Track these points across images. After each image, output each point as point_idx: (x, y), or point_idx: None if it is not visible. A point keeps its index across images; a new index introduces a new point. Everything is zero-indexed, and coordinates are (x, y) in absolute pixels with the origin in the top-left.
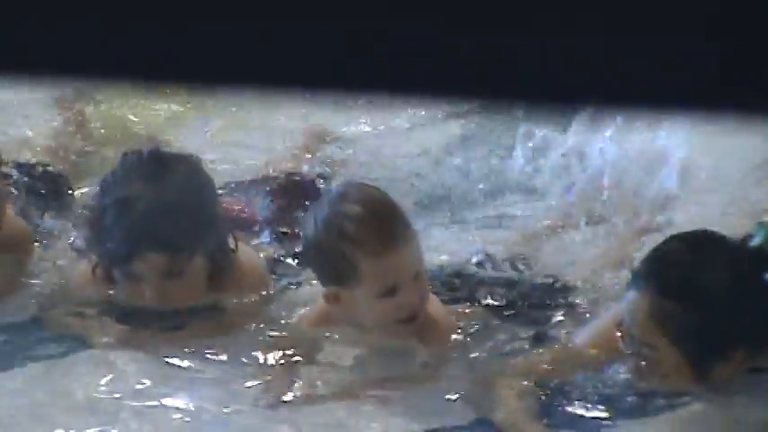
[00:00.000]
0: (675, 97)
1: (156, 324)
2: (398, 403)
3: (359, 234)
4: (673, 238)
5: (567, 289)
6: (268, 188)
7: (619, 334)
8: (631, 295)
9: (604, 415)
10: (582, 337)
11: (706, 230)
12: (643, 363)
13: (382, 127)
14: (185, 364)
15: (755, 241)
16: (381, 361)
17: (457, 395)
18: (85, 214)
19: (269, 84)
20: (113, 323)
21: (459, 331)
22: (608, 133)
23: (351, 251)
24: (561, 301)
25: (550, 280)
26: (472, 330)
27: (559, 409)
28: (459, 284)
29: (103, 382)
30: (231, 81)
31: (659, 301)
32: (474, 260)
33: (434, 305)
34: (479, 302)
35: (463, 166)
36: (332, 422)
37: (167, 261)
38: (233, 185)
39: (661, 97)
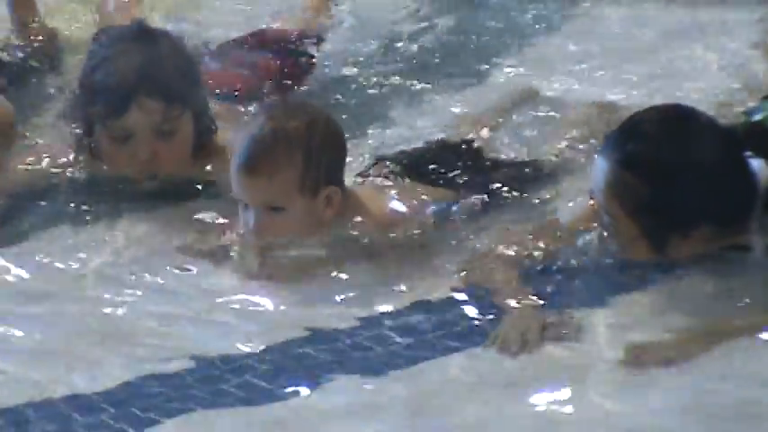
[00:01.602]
0: None
1: (149, 192)
2: (386, 274)
3: (236, 147)
4: (649, 108)
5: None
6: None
7: (590, 201)
8: (598, 161)
9: (585, 287)
10: (568, 216)
11: (685, 106)
12: (605, 231)
13: None
14: None
15: (758, 117)
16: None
17: (447, 266)
18: (73, 82)
19: None
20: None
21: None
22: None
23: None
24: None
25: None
26: (456, 211)
27: (543, 279)
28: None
29: None
30: None
31: (619, 171)
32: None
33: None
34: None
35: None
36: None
37: (162, 110)
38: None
39: None
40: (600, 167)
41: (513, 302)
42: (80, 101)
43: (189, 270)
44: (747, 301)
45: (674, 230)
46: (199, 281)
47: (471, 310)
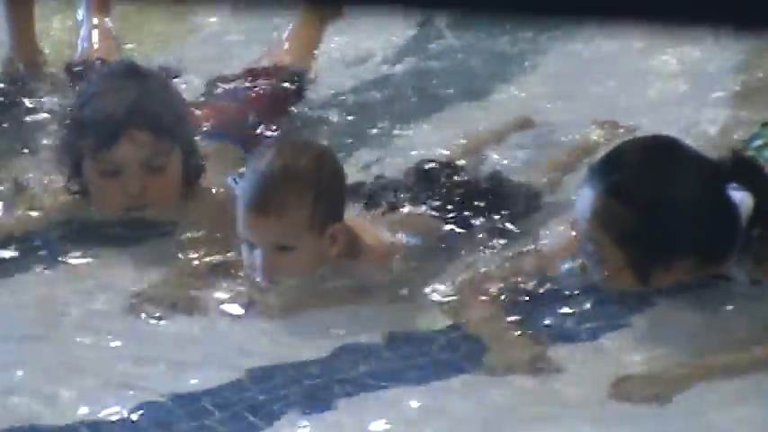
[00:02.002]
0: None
1: (132, 235)
2: (368, 311)
3: (243, 185)
4: (634, 139)
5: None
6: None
7: (572, 232)
8: (583, 190)
9: (570, 319)
10: (550, 243)
11: (669, 137)
12: (588, 261)
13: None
14: None
15: (756, 143)
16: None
17: (429, 304)
18: (65, 115)
19: None
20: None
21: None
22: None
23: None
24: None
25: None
26: (441, 239)
27: (530, 312)
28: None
29: None
30: None
31: (606, 200)
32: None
33: (368, 238)
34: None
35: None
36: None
37: (152, 143)
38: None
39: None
40: (585, 196)
41: (499, 333)
42: (69, 137)
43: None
44: (732, 331)
45: (659, 261)
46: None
47: (456, 342)
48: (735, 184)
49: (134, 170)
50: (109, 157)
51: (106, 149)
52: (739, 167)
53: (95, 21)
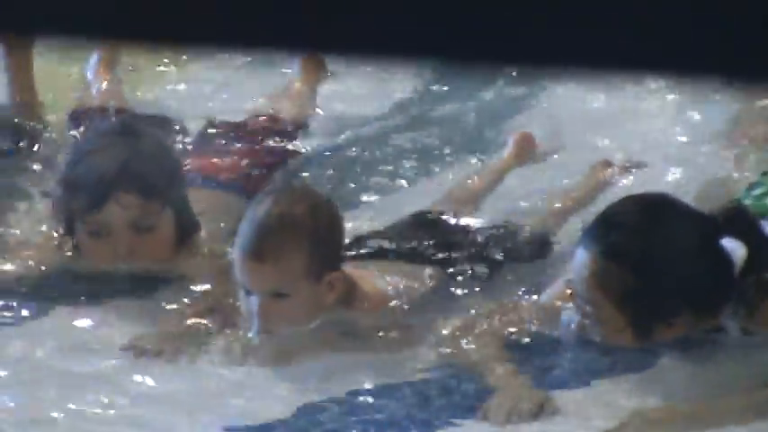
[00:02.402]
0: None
1: (122, 288)
2: (365, 359)
3: (240, 232)
4: (626, 198)
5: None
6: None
7: (568, 291)
8: (578, 252)
9: (565, 367)
10: (546, 294)
11: (662, 194)
12: (587, 321)
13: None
14: None
15: (757, 191)
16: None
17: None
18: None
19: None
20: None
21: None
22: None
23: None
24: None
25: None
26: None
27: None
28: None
29: None
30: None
31: (603, 262)
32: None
33: (364, 284)
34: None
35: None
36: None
37: (140, 205)
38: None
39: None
40: (581, 259)
41: (503, 379)
42: (61, 196)
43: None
44: (725, 380)
45: (659, 319)
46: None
47: (459, 387)
48: (727, 236)
49: (121, 232)
50: (96, 219)
51: (95, 211)
52: (731, 220)
53: (103, 72)
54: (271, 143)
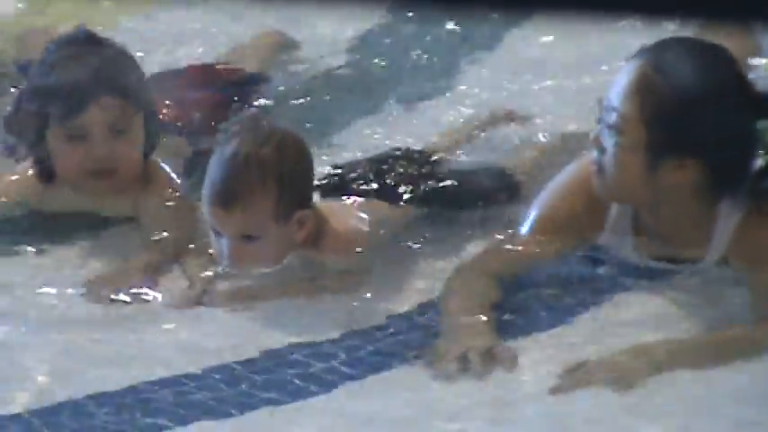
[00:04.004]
0: None
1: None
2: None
3: (207, 175)
4: (704, 40)
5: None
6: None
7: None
8: (628, 64)
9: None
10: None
11: (732, 57)
12: (609, 142)
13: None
14: None
15: None
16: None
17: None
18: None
19: None
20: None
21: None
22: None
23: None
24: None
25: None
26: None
27: (513, 301)
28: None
29: None
30: None
31: (651, 72)
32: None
33: (336, 218)
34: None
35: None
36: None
37: (119, 107)
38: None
39: None
40: (632, 67)
41: (465, 321)
42: (31, 105)
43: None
44: (694, 319)
45: (674, 150)
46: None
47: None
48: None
49: (102, 134)
50: (77, 123)
51: (74, 115)
52: None
53: None
54: (223, 94)
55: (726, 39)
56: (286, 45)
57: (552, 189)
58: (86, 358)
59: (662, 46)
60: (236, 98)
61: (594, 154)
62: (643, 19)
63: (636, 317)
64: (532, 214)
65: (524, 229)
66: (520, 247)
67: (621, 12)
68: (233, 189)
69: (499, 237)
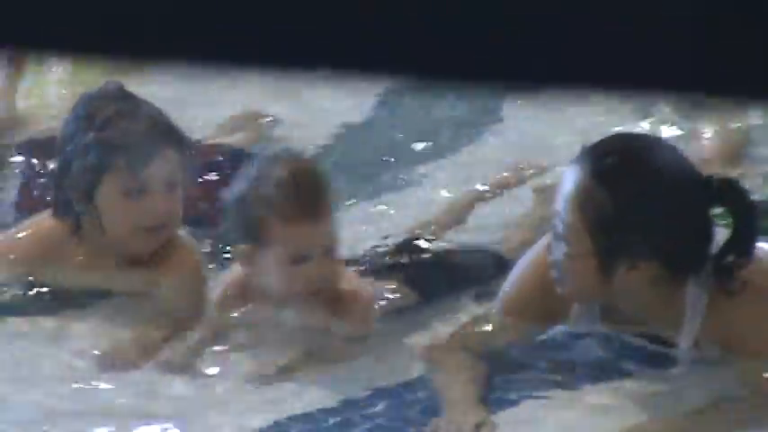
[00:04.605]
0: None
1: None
2: (327, 376)
3: (276, 197)
4: (638, 135)
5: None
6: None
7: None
8: (569, 171)
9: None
10: (507, 289)
11: (671, 145)
12: (558, 251)
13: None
14: None
15: None
16: (300, 338)
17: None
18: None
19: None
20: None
21: (387, 306)
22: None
23: (266, 212)
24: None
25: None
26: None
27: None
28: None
29: None
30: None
31: (590, 181)
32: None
33: (353, 282)
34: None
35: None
36: (256, 399)
37: (178, 161)
38: None
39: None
40: (571, 177)
41: (455, 396)
42: (88, 160)
43: None
44: (679, 399)
45: (625, 255)
46: None
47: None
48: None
49: (162, 189)
50: (141, 177)
51: (140, 169)
52: (728, 189)
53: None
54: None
55: (717, 125)
56: (267, 122)
57: (518, 269)
58: None
59: (599, 149)
60: (219, 176)
61: (551, 260)
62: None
63: (622, 400)
64: (501, 295)
65: (494, 310)
66: (488, 328)
67: (623, 89)
68: (316, 198)
69: (473, 316)
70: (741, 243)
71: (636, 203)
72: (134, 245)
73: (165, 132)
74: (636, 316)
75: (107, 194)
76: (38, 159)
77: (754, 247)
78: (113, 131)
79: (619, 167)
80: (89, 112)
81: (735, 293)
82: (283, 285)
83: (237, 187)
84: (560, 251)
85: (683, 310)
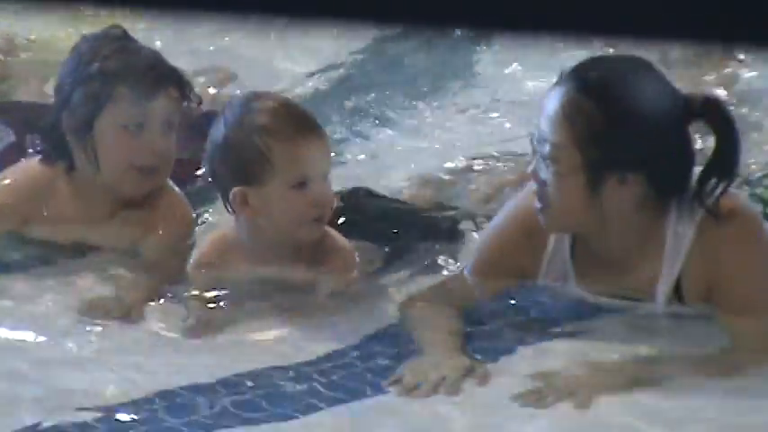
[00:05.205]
0: None
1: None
2: (308, 328)
3: (272, 123)
4: (620, 54)
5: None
6: None
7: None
8: (553, 90)
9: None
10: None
11: (650, 62)
12: (546, 174)
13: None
14: None
15: None
16: (285, 292)
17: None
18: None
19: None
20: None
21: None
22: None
23: (263, 140)
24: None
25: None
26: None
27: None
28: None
29: None
30: None
31: (577, 96)
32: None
33: (332, 233)
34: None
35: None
36: (240, 350)
37: (178, 102)
38: None
39: None
40: (556, 94)
41: (437, 347)
42: (89, 89)
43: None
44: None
45: (615, 168)
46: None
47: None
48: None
49: (160, 127)
50: (141, 111)
51: (144, 101)
52: (709, 106)
53: None
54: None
55: (705, 66)
56: (230, 80)
57: (489, 229)
58: None
59: (583, 68)
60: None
61: (535, 188)
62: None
63: (600, 346)
64: (474, 252)
65: (466, 270)
66: (461, 286)
67: (603, 35)
68: (310, 119)
69: (447, 274)
70: (724, 161)
71: (623, 113)
72: (127, 186)
73: (169, 72)
74: (616, 254)
75: (106, 126)
76: (17, 125)
77: (738, 168)
78: (118, 62)
79: (604, 80)
80: (92, 49)
81: (721, 219)
82: (287, 214)
83: (218, 133)
84: (548, 173)
85: (664, 253)
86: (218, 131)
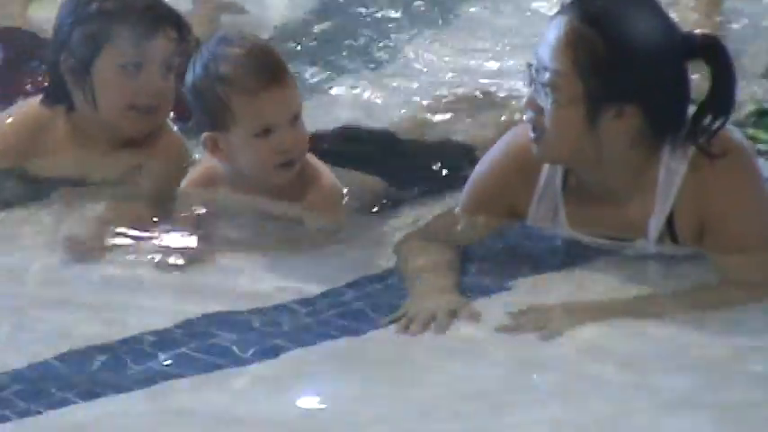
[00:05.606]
0: None
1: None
2: (298, 263)
3: (232, 73)
4: None
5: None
6: None
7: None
8: (555, 20)
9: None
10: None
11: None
12: (545, 102)
13: None
14: None
15: None
16: (269, 228)
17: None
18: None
19: None
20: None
21: (356, 196)
22: None
23: (224, 90)
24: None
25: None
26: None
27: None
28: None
29: None
30: None
31: (579, 25)
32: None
33: (320, 168)
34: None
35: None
36: (229, 287)
37: (176, 43)
38: None
39: None
40: (559, 23)
41: (429, 284)
42: (88, 28)
43: None
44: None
45: (612, 100)
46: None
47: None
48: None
49: (158, 67)
50: (140, 51)
51: (140, 42)
52: (709, 45)
53: None
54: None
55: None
56: (228, 10)
57: (480, 166)
58: None
59: None
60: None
61: (530, 117)
62: None
63: (587, 286)
64: (464, 192)
65: (458, 207)
66: (454, 224)
67: None
68: (277, 64)
69: (440, 211)
70: (719, 100)
71: (625, 42)
72: (125, 126)
73: (168, 13)
74: (610, 186)
75: (105, 66)
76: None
77: (733, 106)
78: (116, 3)
79: (607, 9)
80: None
81: (713, 156)
82: (253, 162)
83: (189, 77)
84: (548, 101)
85: (657, 189)
86: (189, 75)
